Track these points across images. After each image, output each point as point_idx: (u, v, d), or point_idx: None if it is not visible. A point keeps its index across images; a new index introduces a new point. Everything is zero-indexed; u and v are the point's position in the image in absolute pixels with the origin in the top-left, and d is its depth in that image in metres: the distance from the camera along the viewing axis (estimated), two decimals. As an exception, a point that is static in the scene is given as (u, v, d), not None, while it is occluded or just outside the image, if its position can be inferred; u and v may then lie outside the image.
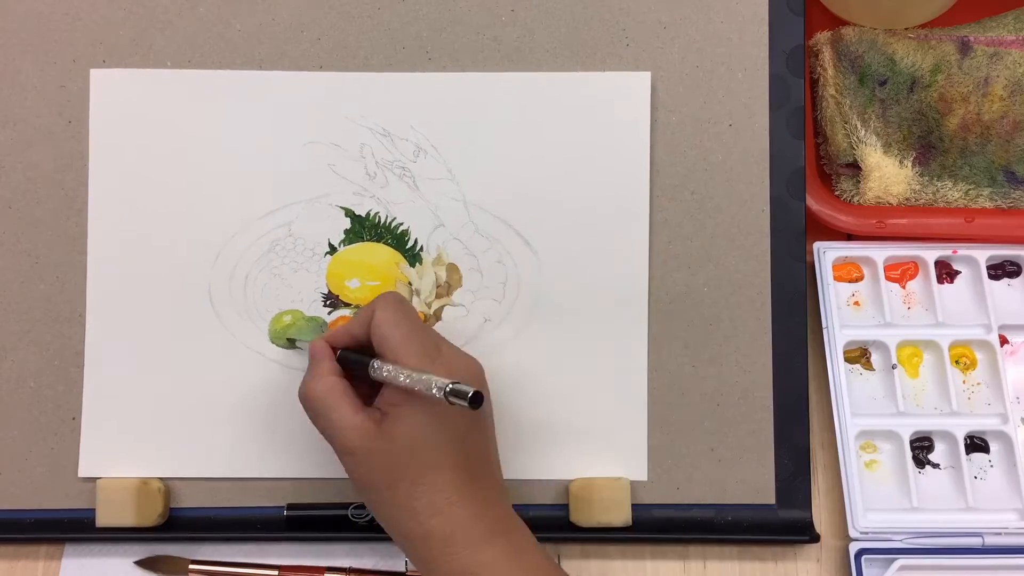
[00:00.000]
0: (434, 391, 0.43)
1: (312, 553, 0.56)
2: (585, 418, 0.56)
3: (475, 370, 0.49)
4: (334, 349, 0.50)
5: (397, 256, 0.56)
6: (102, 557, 0.56)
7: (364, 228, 0.56)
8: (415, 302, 0.56)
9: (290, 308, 0.56)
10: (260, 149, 0.56)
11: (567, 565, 0.56)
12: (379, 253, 0.56)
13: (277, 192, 0.56)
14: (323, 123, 0.56)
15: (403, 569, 0.55)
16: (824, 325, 0.59)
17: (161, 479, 0.55)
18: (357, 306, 0.56)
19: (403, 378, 0.45)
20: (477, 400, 0.42)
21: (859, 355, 0.60)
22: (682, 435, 0.56)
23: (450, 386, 0.43)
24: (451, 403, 0.42)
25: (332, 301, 0.56)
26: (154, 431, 0.56)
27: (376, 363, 0.47)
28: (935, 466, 0.58)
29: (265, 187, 0.56)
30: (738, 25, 0.57)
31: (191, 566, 0.55)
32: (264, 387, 0.56)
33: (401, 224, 0.56)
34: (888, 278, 0.61)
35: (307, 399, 0.48)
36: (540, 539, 0.56)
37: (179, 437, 0.56)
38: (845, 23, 0.64)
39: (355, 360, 0.49)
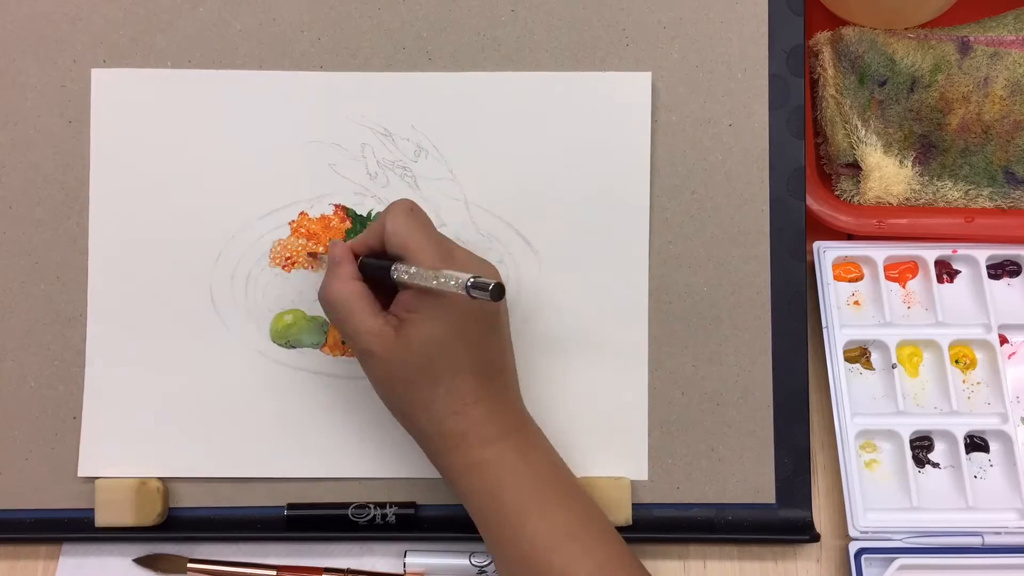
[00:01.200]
0: (454, 285, 0.44)
1: (310, 553, 0.56)
2: (585, 417, 0.56)
3: (491, 270, 0.49)
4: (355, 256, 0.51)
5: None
6: (100, 556, 0.56)
7: (365, 227, 0.56)
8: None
9: (291, 308, 0.56)
10: (261, 149, 0.56)
11: (567, 565, 0.56)
12: (380, 253, 0.56)
13: (278, 192, 0.56)
14: (324, 123, 0.56)
15: (402, 570, 0.55)
16: (824, 325, 0.59)
17: (161, 479, 0.55)
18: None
19: (427, 278, 0.45)
20: (499, 291, 0.42)
21: (859, 354, 0.60)
22: (682, 434, 0.56)
23: (472, 280, 0.43)
24: (473, 297, 0.43)
25: (332, 301, 0.56)
26: (155, 431, 0.56)
27: (398, 266, 0.47)
28: (935, 465, 0.58)
29: (266, 187, 0.56)
30: (738, 25, 0.57)
31: (189, 565, 0.55)
32: (265, 387, 0.56)
33: (402, 223, 0.56)
34: (888, 278, 0.61)
35: (329, 302, 0.49)
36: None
37: (180, 437, 0.56)
38: (845, 23, 0.64)
39: (376, 266, 0.49)
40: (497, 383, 0.49)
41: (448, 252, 0.48)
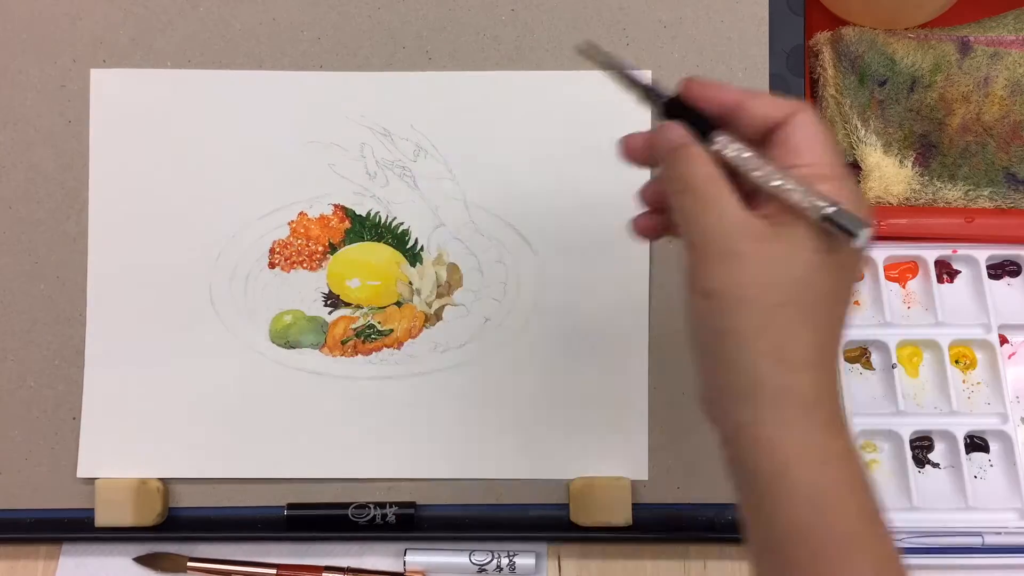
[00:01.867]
0: (813, 204, 0.34)
1: (310, 553, 0.56)
2: (586, 417, 0.56)
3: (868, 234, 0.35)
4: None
5: (398, 256, 0.56)
6: (100, 556, 0.56)
7: (365, 228, 0.56)
8: (415, 301, 0.56)
9: (291, 308, 0.56)
10: (260, 149, 0.56)
11: (567, 565, 0.56)
12: (380, 252, 0.56)
13: (278, 192, 0.56)
14: (323, 123, 0.56)
15: (402, 569, 0.55)
16: (824, 324, 0.59)
17: (160, 479, 0.55)
18: (358, 306, 0.56)
19: (781, 183, 0.35)
20: (859, 227, 0.33)
21: (859, 355, 0.60)
22: (682, 434, 0.56)
23: (838, 207, 0.33)
24: (825, 228, 0.34)
25: (333, 301, 0.56)
26: (153, 431, 0.56)
27: (757, 155, 0.37)
28: (935, 465, 0.58)
29: (266, 187, 0.56)
30: (738, 25, 0.57)
31: (189, 564, 0.55)
32: (264, 387, 0.56)
33: (402, 224, 0.56)
34: (888, 278, 0.61)
35: (689, 184, 0.37)
36: (540, 539, 0.56)
37: (179, 437, 0.56)
38: (845, 23, 0.64)
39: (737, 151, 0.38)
40: (835, 350, 0.38)
41: (845, 173, 0.36)
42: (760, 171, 0.36)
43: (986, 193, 0.62)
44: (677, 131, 0.39)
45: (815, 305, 0.35)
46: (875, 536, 0.35)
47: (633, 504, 0.55)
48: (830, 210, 0.34)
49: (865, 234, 0.33)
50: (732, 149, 0.37)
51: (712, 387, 0.38)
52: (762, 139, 0.37)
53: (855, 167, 0.62)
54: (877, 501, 0.35)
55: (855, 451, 0.36)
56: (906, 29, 0.63)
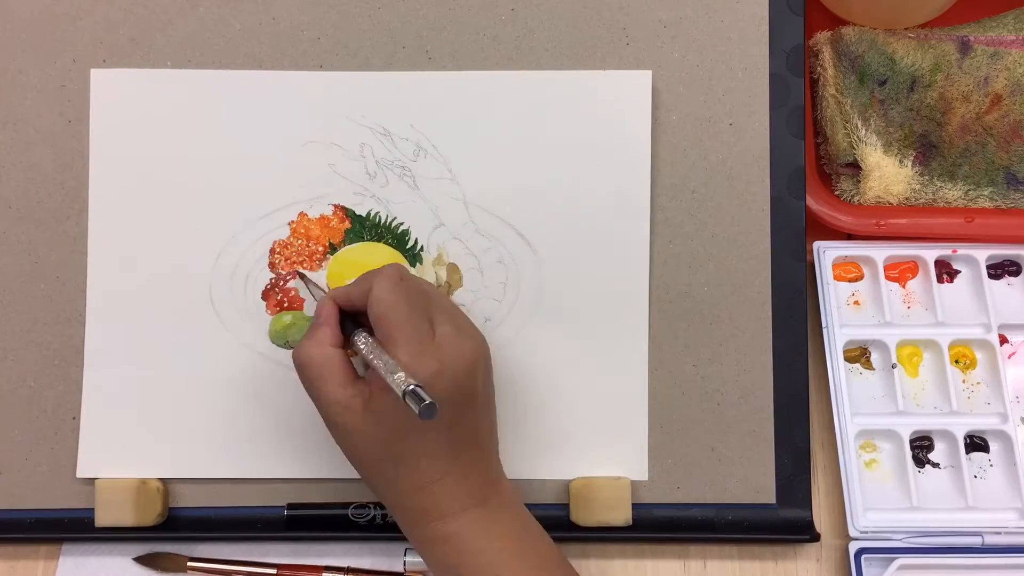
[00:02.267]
0: (396, 381, 0.43)
1: (310, 553, 0.56)
2: (586, 417, 0.56)
3: (467, 359, 0.47)
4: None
5: (398, 256, 0.56)
6: (100, 556, 0.56)
7: (364, 228, 0.56)
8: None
9: (290, 308, 0.56)
10: (261, 149, 0.56)
11: (567, 565, 0.56)
12: (380, 253, 0.56)
13: (278, 192, 0.56)
14: (323, 123, 0.56)
15: (401, 569, 0.55)
16: (824, 325, 0.60)
17: (160, 479, 0.55)
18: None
19: (375, 362, 0.45)
20: (427, 412, 0.42)
21: (859, 354, 0.60)
22: (682, 434, 0.56)
23: (411, 387, 0.42)
24: (407, 404, 0.42)
25: (334, 301, 0.56)
26: (153, 432, 0.56)
27: (361, 337, 0.47)
28: (935, 465, 0.58)
29: (266, 187, 0.56)
30: (738, 24, 0.57)
31: (189, 563, 0.55)
32: (264, 387, 0.56)
33: (401, 224, 0.56)
34: (888, 277, 0.61)
35: (301, 365, 0.48)
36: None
37: (178, 437, 0.56)
38: (845, 23, 0.64)
39: (347, 327, 0.49)
40: (466, 455, 0.48)
41: (428, 332, 0.47)
42: (374, 356, 0.46)
43: (986, 193, 0.62)
44: (326, 308, 0.49)
45: (403, 454, 0.46)
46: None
47: (633, 504, 0.55)
48: (408, 388, 0.42)
49: (428, 410, 0.42)
50: (361, 342, 0.47)
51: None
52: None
53: (855, 167, 0.62)
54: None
55: (470, 523, 0.47)
56: (906, 29, 0.63)
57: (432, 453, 0.47)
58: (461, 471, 0.47)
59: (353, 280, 0.50)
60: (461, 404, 0.47)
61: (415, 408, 0.42)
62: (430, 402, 0.42)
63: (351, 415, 0.46)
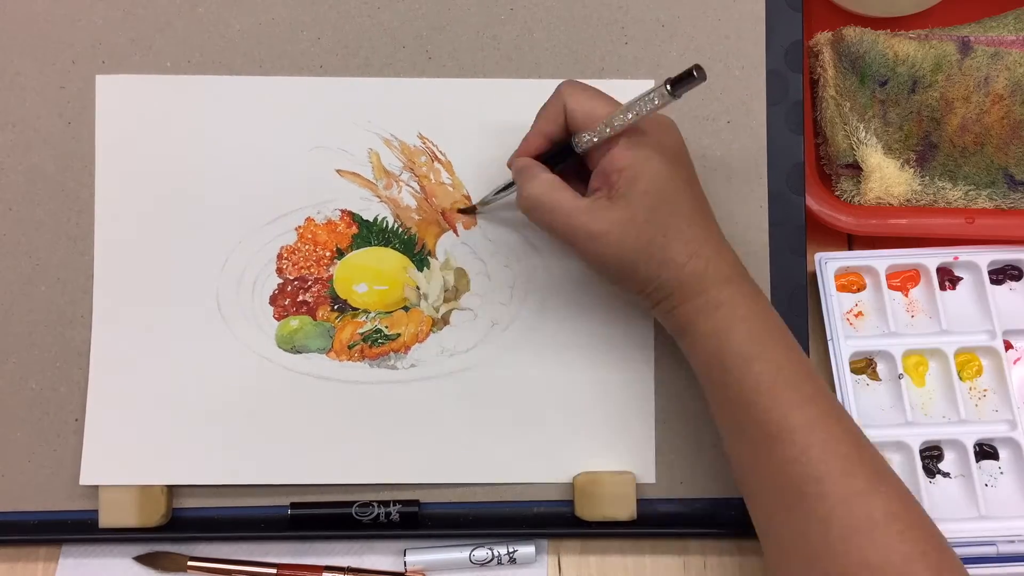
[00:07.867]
0: (654, 97, 0.45)
1: (311, 553, 0.56)
2: (590, 414, 0.56)
3: (677, 140, 0.50)
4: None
5: (405, 260, 0.56)
6: (100, 556, 0.56)
7: (372, 233, 0.56)
8: (423, 306, 0.56)
9: (297, 314, 0.56)
10: (267, 154, 0.56)
11: (567, 561, 0.56)
12: (387, 258, 0.56)
13: (285, 197, 0.56)
14: (330, 128, 0.56)
15: (402, 569, 0.55)
16: (829, 337, 0.59)
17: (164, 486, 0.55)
18: (365, 311, 0.56)
19: (622, 118, 0.46)
20: (700, 69, 0.43)
21: (865, 365, 0.60)
22: (685, 430, 0.57)
23: (669, 81, 0.44)
24: (677, 96, 0.44)
25: (340, 306, 0.56)
26: (159, 437, 0.55)
27: (580, 135, 0.48)
28: (945, 475, 0.57)
29: (272, 192, 0.56)
30: (736, 22, 0.58)
31: (189, 563, 0.55)
32: (271, 393, 0.56)
33: (409, 228, 0.57)
34: (890, 287, 0.61)
35: (531, 207, 0.49)
36: (545, 534, 0.56)
37: (184, 443, 0.55)
38: (843, 13, 0.63)
39: (555, 156, 0.50)
40: (715, 227, 0.50)
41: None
42: (605, 125, 0.47)
43: (985, 194, 0.61)
44: (520, 160, 0.50)
45: (668, 223, 0.47)
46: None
47: (637, 499, 0.55)
48: (669, 81, 0.44)
49: (698, 69, 0.43)
50: (592, 134, 0.48)
51: (636, 293, 0.50)
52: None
53: (855, 168, 0.62)
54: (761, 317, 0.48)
55: (736, 293, 0.48)
56: (907, 29, 0.63)
57: (692, 219, 0.48)
58: (718, 237, 0.49)
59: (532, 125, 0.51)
60: (691, 180, 0.49)
61: (689, 82, 0.43)
62: (694, 65, 0.43)
63: (607, 214, 0.47)
